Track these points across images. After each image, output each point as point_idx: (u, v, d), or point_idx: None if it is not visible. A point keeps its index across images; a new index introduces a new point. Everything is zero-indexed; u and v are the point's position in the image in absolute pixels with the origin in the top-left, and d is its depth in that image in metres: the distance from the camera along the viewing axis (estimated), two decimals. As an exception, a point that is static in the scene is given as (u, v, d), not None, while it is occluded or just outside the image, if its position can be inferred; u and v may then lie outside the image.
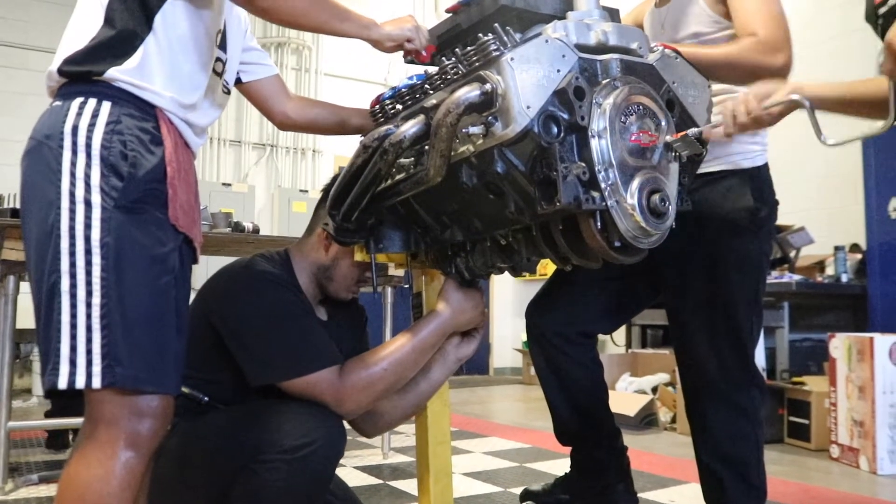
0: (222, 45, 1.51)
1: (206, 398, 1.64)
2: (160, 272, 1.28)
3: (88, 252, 1.20)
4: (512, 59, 1.25)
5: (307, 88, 6.78)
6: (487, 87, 1.25)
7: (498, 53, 1.27)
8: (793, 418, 3.92)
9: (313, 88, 6.81)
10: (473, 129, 1.28)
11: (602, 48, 1.39)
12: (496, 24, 1.32)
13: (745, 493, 1.78)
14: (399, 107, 1.54)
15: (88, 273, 1.19)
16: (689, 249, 1.63)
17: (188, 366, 1.41)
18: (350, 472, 3.22)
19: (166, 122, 1.34)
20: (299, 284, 1.74)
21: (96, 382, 1.19)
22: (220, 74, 1.51)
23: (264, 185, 6.74)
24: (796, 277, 4.30)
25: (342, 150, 6.87)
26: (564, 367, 1.88)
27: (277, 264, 1.75)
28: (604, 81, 1.34)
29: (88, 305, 1.19)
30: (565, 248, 1.39)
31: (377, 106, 1.62)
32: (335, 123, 1.85)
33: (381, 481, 3.09)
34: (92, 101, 1.27)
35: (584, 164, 1.29)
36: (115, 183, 1.24)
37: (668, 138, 1.36)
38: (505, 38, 1.31)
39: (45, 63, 1.43)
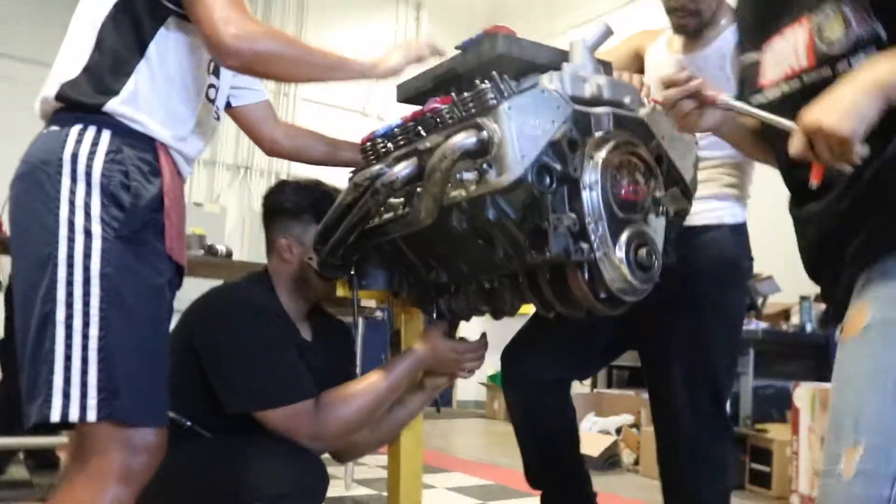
0: (215, 71, 1.51)
1: (188, 422, 1.61)
2: (158, 303, 1.27)
3: (87, 282, 1.18)
4: (509, 108, 1.27)
5: (285, 113, 6.77)
6: (484, 134, 1.27)
7: (495, 102, 1.29)
8: (755, 465, 3.95)
9: (291, 113, 6.81)
10: (467, 175, 1.30)
11: (595, 101, 1.42)
12: (494, 73, 1.34)
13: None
14: (390, 146, 1.55)
15: (87, 304, 1.17)
16: (672, 301, 1.65)
17: (171, 388, 1.39)
18: (313, 505, 3.16)
19: (164, 153, 1.34)
20: (282, 308, 1.74)
21: (91, 416, 1.17)
22: (212, 101, 1.51)
23: (236, 206, 6.69)
24: (762, 325, 4.37)
25: (316, 176, 6.83)
26: (540, 414, 1.88)
27: (261, 288, 1.75)
28: (596, 134, 1.37)
29: (85, 337, 1.17)
30: (551, 296, 1.39)
31: (368, 143, 1.62)
32: (324, 154, 1.85)
33: (344, 515, 3.04)
34: (91, 130, 1.26)
35: (574, 216, 1.31)
36: (116, 213, 1.23)
37: (657, 193, 1.39)
38: (502, 87, 1.33)
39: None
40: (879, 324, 1.04)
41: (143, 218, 1.26)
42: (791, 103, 1.13)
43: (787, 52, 1.17)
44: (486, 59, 1.46)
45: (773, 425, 4.05)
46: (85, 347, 1.16)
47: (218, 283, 1.95)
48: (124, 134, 1.28)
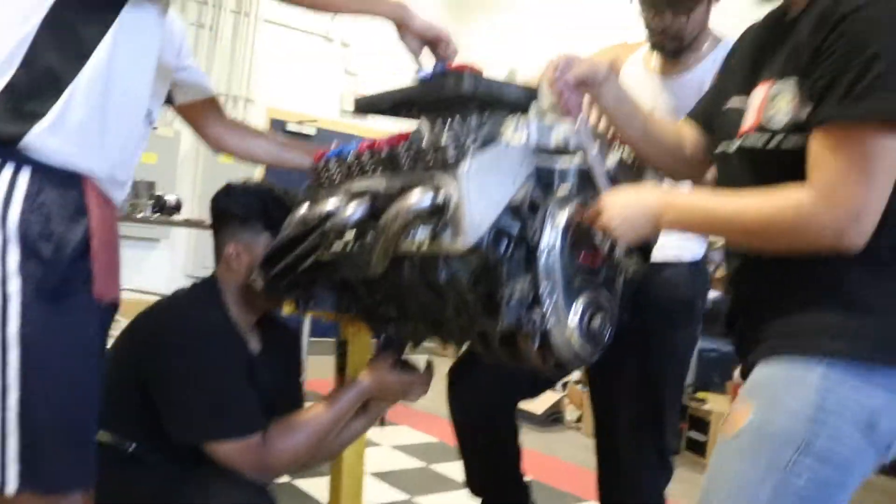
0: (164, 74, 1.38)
1: (132, 445, 1.56)
2: (85, 358, 1.18)
3: (4, 347, 1.08)
4: (469, 170, 1.20)
5: (245, 34, 6.45)
6: (440, 197, 1.20)
7: (455, 160, 1.21)
8: (692, 433, 4.08)
9: (251, 36, 6.49)
10: (420, 235, 1.23)
11: (561, 151, 1.34)
12: (456, 119, 1.26)
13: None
14: (341, 174, 1.46)
15: (3, 370, 1.09)
16: (624, 336, 1.63)
17: (114, 411, 1.37)
18: None
19: (93, 189, 1.21)
20: (230, 320, 1.66)
21: (11, 488, 1.10)
22: (150, 113, 1.39)
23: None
24: (713, 293, 4.42)
25: (275, 100, 6.62)
26: (485, 433, 1.87)
27: (208, 300, 1.67)
28: (559, 191, 1.30)
29: (3, 409, 1.09)
30: (499, 354, 1.36)
31: (321, 162, 1.53)
32: (272, 155, 1.76)
33: None
34: (7, 170, 1.11)
35: (528, 282, 1.26)
36: (36, 267, 1.11)
37: (617, 255, 1.34)
38: (463, 140, 1.25)
39: None
40: (754, 431, 1.06)
41: (66, 269, 1.15)
42: (736, 159, 1.17)
43: (751, 109, 1.15)
44: (448, 96, 1.37)
45: (712, 395, 4.16)
46: (3, 419, 1.09)
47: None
48: (45, 171, 1.14)
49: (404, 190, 1.27)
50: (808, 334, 1.07)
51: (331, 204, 1.37)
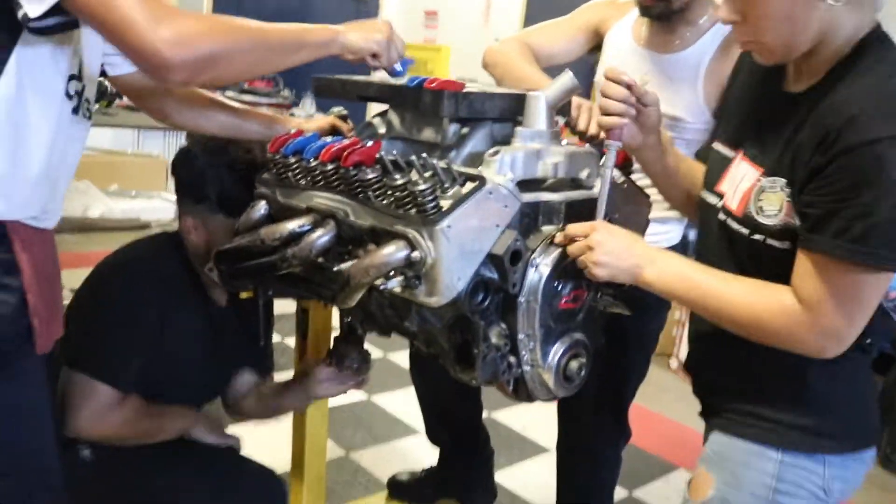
0: (79, 72, 1.18)
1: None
2: (34, 419, 1.11)
3: None
4: (448, 227, 1.08)
5: None
6: (416, 255, 1.09)
7: (434, 214, 1.09)
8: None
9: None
10: (392, 286, 1.13)
11: (549, 183, 1.23)
12: (437, 165, 1.12)
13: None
14: (300, 174, 1.32)
15: None
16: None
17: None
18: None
19: (19, 235, 1.06)
20: (190, 271, 1.60)
21: None
22: (77, 110, 1.20)
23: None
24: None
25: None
26: (444, 393, 1.87)
27: (168, 249, 1.62)
28: (544, 230, 1.20)
29: None
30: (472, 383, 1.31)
31: (278, 154, 1.37)
32: (227, 126, 1.55)
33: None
34: None
35: (505, 331, 1.19)
36: None
37: (600, 300, 1.27)
38: (445, 182, 1.12)
39: None
40: (718, 502, 1.16)
41: (8, 340, 1.04)
42: (717, 226, 1.19)
43: (735, 179, 1.17)
44: (425, 114, 1.22)
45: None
46: None
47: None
48: None
49: (375, 233, 1.16)
50: (767, 423, 1.15)
51: (294, 224, 1.25)
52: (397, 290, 1.13)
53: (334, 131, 1.59)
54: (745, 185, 1.13)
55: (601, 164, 1.25)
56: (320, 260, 1.28)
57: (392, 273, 1.11)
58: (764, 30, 1.05)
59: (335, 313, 1.71)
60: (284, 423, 1.82)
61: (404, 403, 3.23)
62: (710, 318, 1.13)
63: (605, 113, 1.22)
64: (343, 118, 1.63)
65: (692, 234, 1.89)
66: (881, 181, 0.95)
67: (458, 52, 7.10)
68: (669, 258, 1.18)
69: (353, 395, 3.10)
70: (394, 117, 1.39)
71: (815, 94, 1.06)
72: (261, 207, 1.39)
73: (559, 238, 1.18)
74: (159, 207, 5.30)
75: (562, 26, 1.75)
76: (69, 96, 1.11)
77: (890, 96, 0.99)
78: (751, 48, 1.12)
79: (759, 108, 1.18)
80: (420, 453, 2.78)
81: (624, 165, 1.36)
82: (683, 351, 3.80)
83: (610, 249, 1.14)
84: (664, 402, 3.27)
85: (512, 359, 1.21)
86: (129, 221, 5.08)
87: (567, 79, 1.25)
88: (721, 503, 1.15)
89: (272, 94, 4.05)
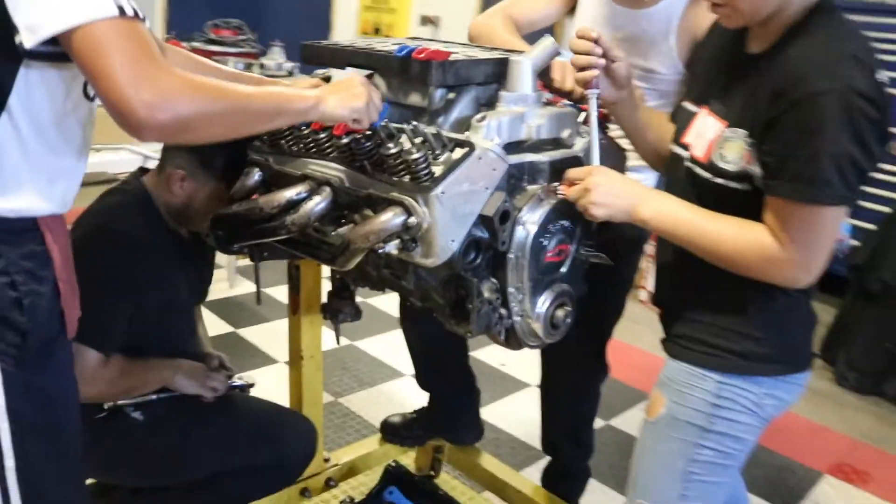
0: None
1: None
2: (66, 401, 1.16)
3: None
4: (442, 192, 1.15)
5: None
6: (412, 220, 1.16)
7: (428, 181, 1.15)
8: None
9: None
10: (390, 248, 1.20)
11: (533, 144, 1.30)
12: (427, 132, 1.18)
13: (576, 455, 2.08)
14: (296, 144, 1.38)
15: None
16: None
17: None
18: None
19: (48, 227, 1.09)
20: (159, 220, 1.65)
21: None
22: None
23: None
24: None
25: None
26: (434, 342, 1.95)
27: (139, 211, 1.63)
28: (529, 189, 1.28)
29: (0, 468, 1.06)
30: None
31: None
32: None
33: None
34: None
35: (496, 285, 1.27)
36: (13, 339, 1.04)
37: (582, 252, 1.35)
38: (436, 149, 1.18)
39: None
40: (669, 420, 1.33)
41: (44, 331, 1.09)
42: (679, 168, 1.33)
43: (702, 131, 1.28)
44: (412, 80, 1.27)
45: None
46: (3, 479, 1.07)
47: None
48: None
49: (371, 200, 1.22)
50: (709, 348, 1.31)
51: (291, 192, 1.30)
52: (395, 252, 1.20)
53: None
54: (710, 135, 1.25)
55: (586, 114, 1.34)
56: (316, 224, 1.34)
57: (389, 237, 1.18)
58: None
59: (325, 269, 1.79)
60: (279, 374, 1.90)
61: (387, 347, 3.34)
62: (698, 253, 1.24)
63: (578, 67, 1.32)
64: (326, 80, 1.66)
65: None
66: (824, 128, 1.08)
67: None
68: (663, 198, 1.29)
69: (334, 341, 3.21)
70: (380, 82, 1.43)
71: (771, 55, 1.19)
72: (255, 174, 1.44)
73: (562, 188, 1.27)
74: (126, 160, 5.23)
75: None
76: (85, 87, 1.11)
77: (831, 56, 1.12)
78: (721, 11, 1.21)
79: (724, 69, 1.29)
80: (406, 395, 2.91)
81: (601, 122, 1.42)
82: (651, 283, 3.95)
83: (607, 190, 1.24)
84: (635, 333, 3.39)
85: (503, 311, 1.29)
86: (96, 175, 5.02)
87: (548, 43, 1.31)
88: (670, 418, 1.32)
89: (239, 44, 4.00)
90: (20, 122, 1.03)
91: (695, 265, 1.26)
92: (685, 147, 1.31)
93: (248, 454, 1.69)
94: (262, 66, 3.86)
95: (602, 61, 1.32)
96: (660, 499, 1.35)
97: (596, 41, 1.32)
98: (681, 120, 1.35)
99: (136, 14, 0.96)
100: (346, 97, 1.19)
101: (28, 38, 0.93)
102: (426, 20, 6.83)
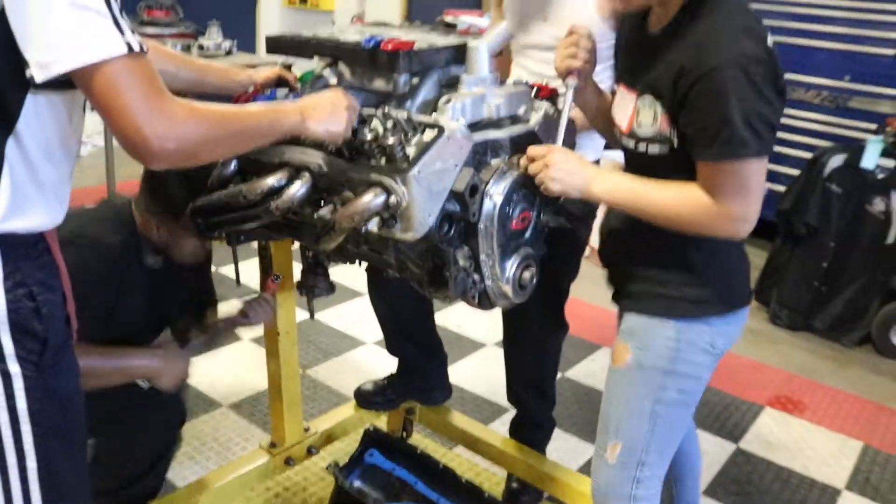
0: None
1: None
2: (77, 395, 1.22)
3: (15, 422, 1.10)
4: (418, 172, 1.26)
5: None
6: (393, 199, 1.26)
7: (404, 163, 1.26)
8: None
9: None
10: (371, 227, 1.31)
11: (493, 122, 1.41)
12: (398, 116, 1.28)
13: (542, 406, 2.24)
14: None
15: (18, 441, 1.11)
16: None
17: None
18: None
19: (52, 237, 1.16)
20: (129, 254, 1.70)
21: None
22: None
23: None
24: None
25: None
26: (398, 301, 2.07)
27: (115, 228, 1.69)
28: (493, 163, 1.39)
29: (23, 470, 1.12)
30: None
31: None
32: (188, 83, 1.58)
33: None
34: None
35: (469, 253, 1.39)
36: (33, 346, 1.10)
37: (542, 218, 1.48)
38: (407, 132, 1.29)
39: None
40: (636, 366, 1.49)
41: (58, 337, 1.15)
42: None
43: (622, 106, 1.46)
44: (379, 69, 1.37)
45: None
46: (25, 479, 1.13)
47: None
48: (13, 246, 1.08)
49: (350, 182, 1.32)
50: (664, 300, 1.46)
51: (272, 180, 1.39)
52: (374, 230, 1.31)
53: (280, 82, 1.70)
54: (629, 110, 1.42)
55: (561, 100, 1.48)
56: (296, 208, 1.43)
57: (371, 216, 1.28)
58: None
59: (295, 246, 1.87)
60: (247, 351, 1.98)
61: (348, 318, 3.43)
62: (646, 219, 1.39)
63: (566, 56, 1.46)
64: (287, 67, 1.74)
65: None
66: (727, 93, 1.24)
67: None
68: (612, 175, 1.44)
69: (298, 315, 3.28)
70: (344, 69, 1.52)
71: (669, 32, 1.36)
72: (231, 163, 1.51)
73: (523, 161, 1.39)
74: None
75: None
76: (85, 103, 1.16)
77: (725, 32, 1.28)
78: None
79: (634, 49, 1.46)
80: (370, 362, 3.02)
81: (551, 98, 1.54)
82: (594, 239, 4.12)
83: (564, 168, 1.37)
84: (582, 287, 3.59)
85: (476, 276, 1.41)
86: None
87: (502, 28, 1.43)
88: (637, 364, 1.47)
89: (174, 24, 3.97)
90: (28, 145, 1.07)
91: (640, 229, 1.41)
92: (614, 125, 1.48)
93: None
94: (200, 46, 3.85)
95: (587, 62, 1.46)
96: (632, 437, 1.49)
97: (589, 41, 1.47)
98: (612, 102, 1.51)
99: (141, 49, 1.01)
100: (328, 120, 1.27)
101: (39, 73, 0.97)
102: (352, -13, 6.83)
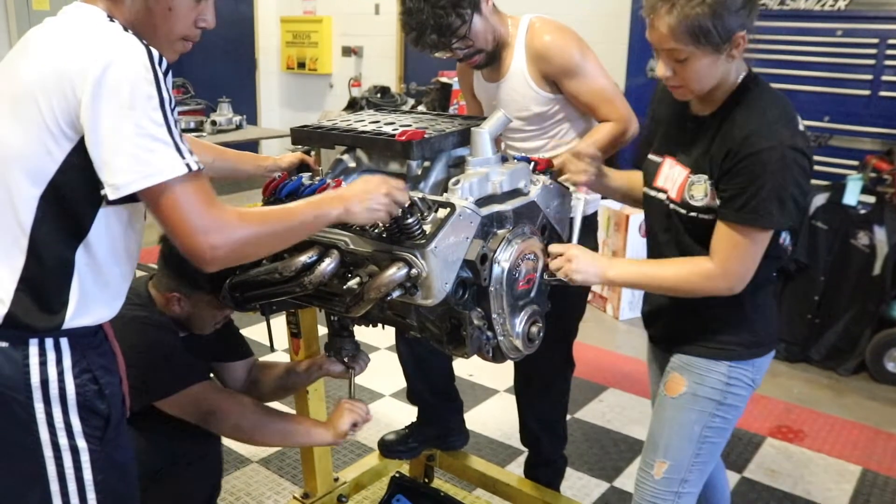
0: None
1: None
2: (135, 480, 1.38)
3: (82, 490, 1.26)
4: (435, 247, 1.44)
5: None
6: (414, 272, 1.44)
7: (423, 239, 1.44)
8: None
9: None
10: (396, 294, 1.48)
11: (498, 197, 1.60)
12: (416, 201, 1.47)
13: (554, 443, 2.40)
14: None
15: None
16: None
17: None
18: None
19: (109, 326, 1.34)
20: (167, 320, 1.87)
21: None
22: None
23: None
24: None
25: None
26: (422, 352, 2.25)
27: (143, 307, 1.86)
28: (499, 233, 1.58)
29: None
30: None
31: (272, 196, 1.68)
32: (225, 171, 1.80)
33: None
34: (50, 346, 1.23)
35: (482, 313, 1.57)
36: (98, 423, 1.27)
37: (545, 277, 1.66)
38: (423, 211, 1.47)
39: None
40: (690, 395, 1.70)
41: (118, 413, 1.32)
42: (658, 207, 1.72)
43: (671, 177, 1.68)
44: (395, 155, 1.56)
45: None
46: None
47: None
48: (79, 338, 1.26)
49: (375, 258, 1.50)
50: (717, 345, 1.69)
51: (304, 257, 1.57)
52: (397, 296, 1.48)
53: (302, 166, 1.89)
54: (679, 180, 1.64)
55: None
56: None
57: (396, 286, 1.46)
58: (690, 81, 1.54)
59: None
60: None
61: (367, 372, 3.55)
62: (654, 292, 1.68)
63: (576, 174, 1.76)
64: (307, 152, 1.93)
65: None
66: (765, 174, 1.47)
67: (341, 21, 7.24)
68: (622, 261, 1.83)
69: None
70: (361, 154, 1.71)
71: (719, 116, 1.58)
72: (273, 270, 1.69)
73: (552, 262, 1.65)
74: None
75: (467, 99, 2.42)
76: None
77: (767, 121, 1.51)
78: (678, 91, 1.60)
79: (678, 128, 1.69)
80: (388, 413, 3.17)
81: (547, 170, 1.74)
82: (595, 286, 4.32)
83: (583, 261, 1.63)
84: (584, 330, 3.77)
85: (489, 333, 1.59)
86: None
87: (501, 114, 1.62)
88: (691, 395, 1.70)
89: (185, 102, 4.21)
90: (97, 252, 1.25)
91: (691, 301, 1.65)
92: (660, 190, 1.70)
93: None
94: (213, 122, 4.07)
95: (593, 176, 1.75)
96: (679, 456, 1.70)
97: (593, 160, 1.76)
98: (647, 168, 1.75)
99: (199, 168, 1.18)
100: (370, 207, 1.40)
101: (112, 192, 1.14)
102: (348, 51, 7.12)
